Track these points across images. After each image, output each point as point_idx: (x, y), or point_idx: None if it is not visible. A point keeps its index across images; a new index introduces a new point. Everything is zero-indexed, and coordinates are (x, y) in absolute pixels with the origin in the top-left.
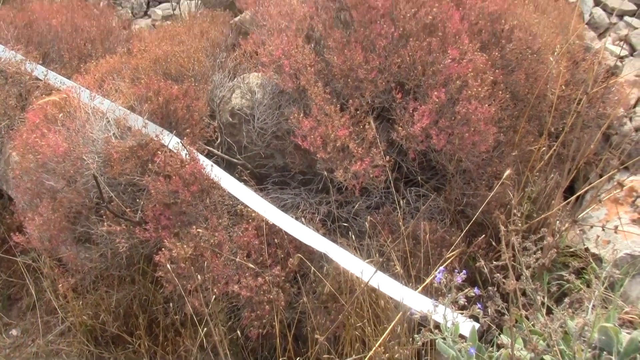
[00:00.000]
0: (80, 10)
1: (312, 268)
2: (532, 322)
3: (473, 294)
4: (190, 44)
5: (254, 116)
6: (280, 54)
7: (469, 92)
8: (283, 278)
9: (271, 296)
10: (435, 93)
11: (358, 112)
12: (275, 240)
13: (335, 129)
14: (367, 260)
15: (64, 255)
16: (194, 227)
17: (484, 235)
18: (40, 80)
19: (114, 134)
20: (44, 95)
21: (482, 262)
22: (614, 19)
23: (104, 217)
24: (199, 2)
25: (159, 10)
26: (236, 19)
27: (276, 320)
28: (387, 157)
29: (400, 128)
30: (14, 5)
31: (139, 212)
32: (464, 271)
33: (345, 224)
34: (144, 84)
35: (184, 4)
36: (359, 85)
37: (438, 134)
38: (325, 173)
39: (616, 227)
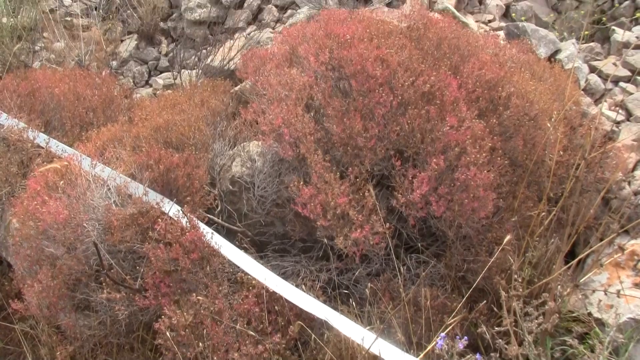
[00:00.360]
0: (82, 80)
1: (313, 335)
2: None
3: None
4: (191, 112)
5: (254, 184)
6: (280, 123)
7: (468, 158)
8: (284, 346)
9: None
10: (434, 160)
11: (358, 179)
12: (276, 307)
13: (335, 197)
14: (368, 327)
15: (63, 322)
16: (194, 294)
17: (485, 301)
18: (42, 147)
19: (114, 201)
20: (45, 163)
21: (484, 328)
22: (610, 85)
23: (104, 284)
24: (200, 71)
25: (160, 80)
26: (236, 88)
27: None
28: (387, 224)
29: (399, 195)
30: (18, 74)
31: (139, 279)
32: (466, 337)
33: (346, 291)
34: (144, 152)
35: (185, 73)
36: (359, 153)
37: (437, 201)
38: (326, 240)
39: (618, 291)
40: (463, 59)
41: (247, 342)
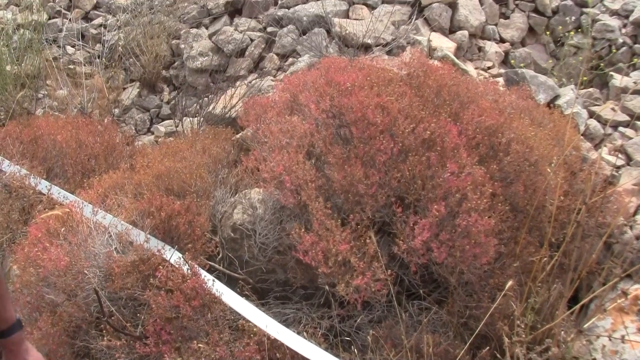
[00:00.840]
0: (85, 127)
1: None
2: None
3: None
4: (192, 160)
5: (256, 231)
6: (281, 170)
7: (469, 205)
8: None
9: None
10: (435, 206)
11: (359, 226)
12: (277, 355)
13: (337, 244)
14: None
15: None
16: (195, 342)
17: (488, 348)
18: (44, 194)
19: (115, 248)
20: (46, 210)
21: None
22: (609, 130)
23: (104, 331)
24: (202, 119)
25: (162, 127)
26: (238, 135)
27: None
28: (389, 270)
29: (401, 242)
30: (21, 121)
31: (140, 326)
32: None
33: (348, 338)
34: (146, 200)
35: (187, 120)
36: (360, 200)
37: (439, 247)
38: (327, 287)
39: (623, 336)
40: (463, 106)
41: None
